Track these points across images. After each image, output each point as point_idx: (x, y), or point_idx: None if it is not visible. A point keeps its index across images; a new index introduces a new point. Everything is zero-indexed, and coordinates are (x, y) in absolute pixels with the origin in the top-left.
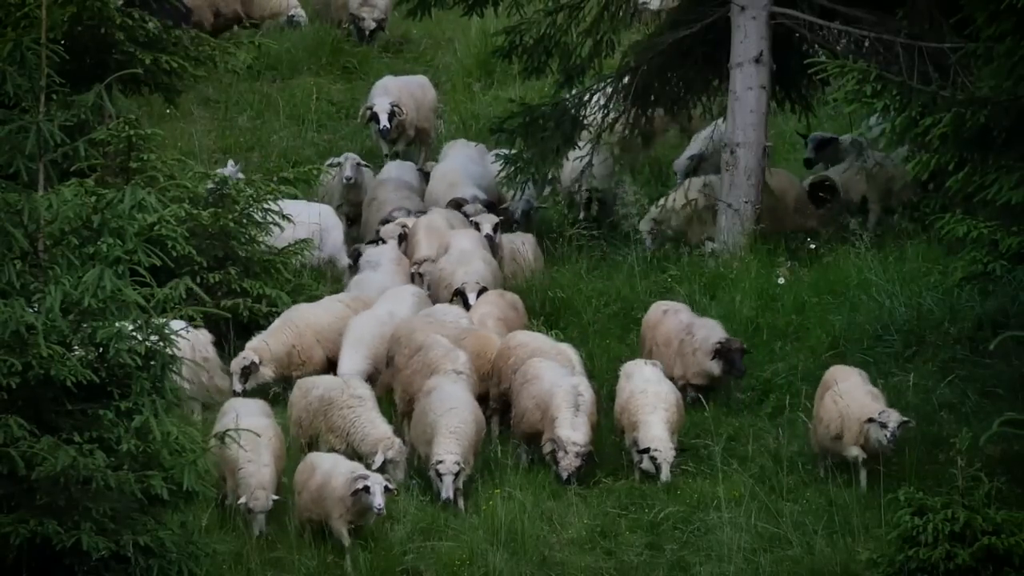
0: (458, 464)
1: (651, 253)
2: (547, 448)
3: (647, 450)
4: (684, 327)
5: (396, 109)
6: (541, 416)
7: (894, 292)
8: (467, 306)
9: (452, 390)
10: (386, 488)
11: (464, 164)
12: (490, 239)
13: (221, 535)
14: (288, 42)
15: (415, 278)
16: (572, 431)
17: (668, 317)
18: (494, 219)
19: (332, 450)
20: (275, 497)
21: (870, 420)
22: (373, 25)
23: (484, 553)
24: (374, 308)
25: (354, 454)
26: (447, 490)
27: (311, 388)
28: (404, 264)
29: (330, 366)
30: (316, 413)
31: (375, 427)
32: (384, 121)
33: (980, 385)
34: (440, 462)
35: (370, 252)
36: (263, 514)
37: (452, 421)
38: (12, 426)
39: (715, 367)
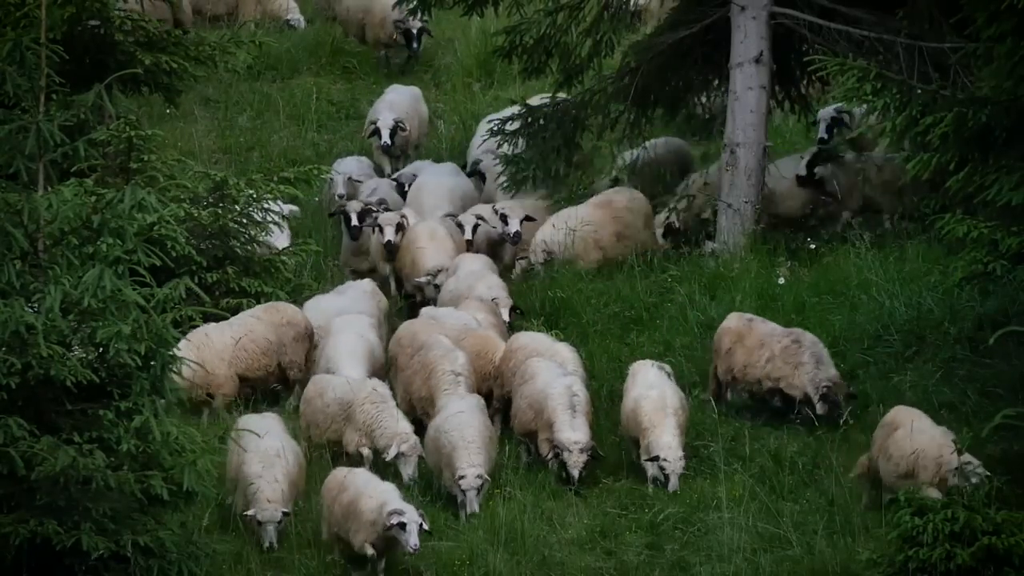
0: (480, 478)
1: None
2: (545, 450)
3: (656, 458)
4: (783, 332)
5: (400, 126)
6: (534, 416)
7: (894, 292)
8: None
9: (461, 406)
10: (421, 526)
11: (443, 179)
12: (518, 235)
13: (221, 535)
14: (288, 42)
15: (426, 288)
16: (572, 432)
17: (755, 325)
18: (522, 212)
19: (356, 449)
20: (285, 510)
21: (956, 469)
22: (419, 24)
23: (484, 553)
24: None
25: (375, 451)
26: (472, 504)
27: (327, 388)
28: (377, 298)
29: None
30: (334, 416)
31: (396, 423)
32: (386, 138)
33: (980, 385)
34: (462, 477)
35: (347, 284)
36: (272, 524)
37: (468, 434)
38: (12, 426)
39: (820, 407)
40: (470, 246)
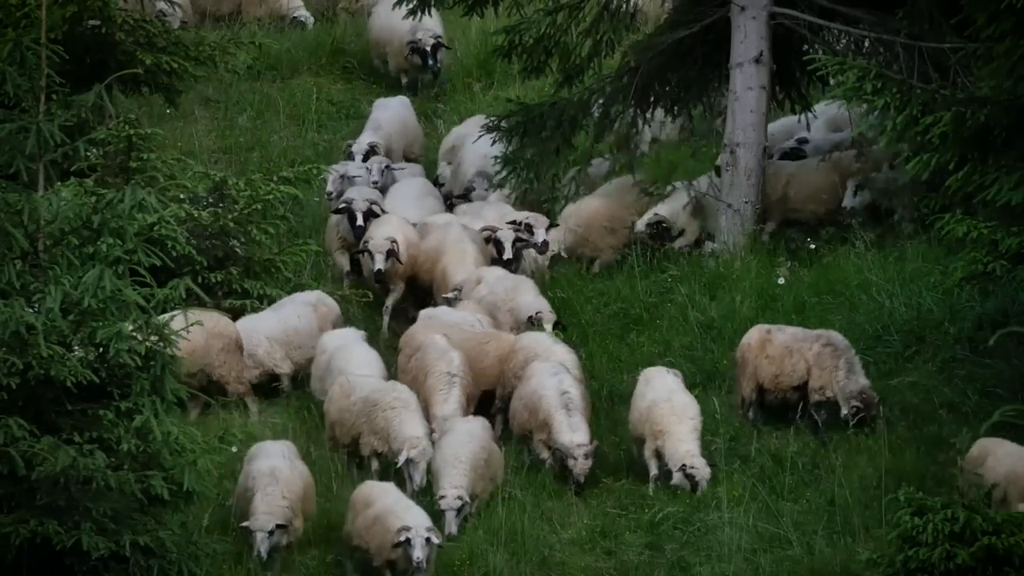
0: (460, 499)
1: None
2: (542, 452)
3: (683, 467)
4: (812, 336)
5: (375, 148)
6: (529, 416)
7: (894, 292)
8: None
9: (466, 427)
10: (428, 540)
11: (417, 186)
12: (546, 244)
13: (221, 535)
14: (288, 42)
15: (454, 303)
16: (572, 433)
17: (775, 334)
18: (546, 220)
19: (373, 453)
20: (280, 523)
21: None
22: (432, 41)
23: (484, 553)
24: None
25: (390, 454)
26: (449, 525)
27: (353, 388)
28: (321, 311)
29: None
30: (358, 413)
31: (410, 427)
32: (358, 163)
33: (980, 385)
34: (442, 497)
35: (286, 299)
36: (262, 533)
37: (461, 453)
38: (12, 426)
39: (849, 416)
40: (509, 264)
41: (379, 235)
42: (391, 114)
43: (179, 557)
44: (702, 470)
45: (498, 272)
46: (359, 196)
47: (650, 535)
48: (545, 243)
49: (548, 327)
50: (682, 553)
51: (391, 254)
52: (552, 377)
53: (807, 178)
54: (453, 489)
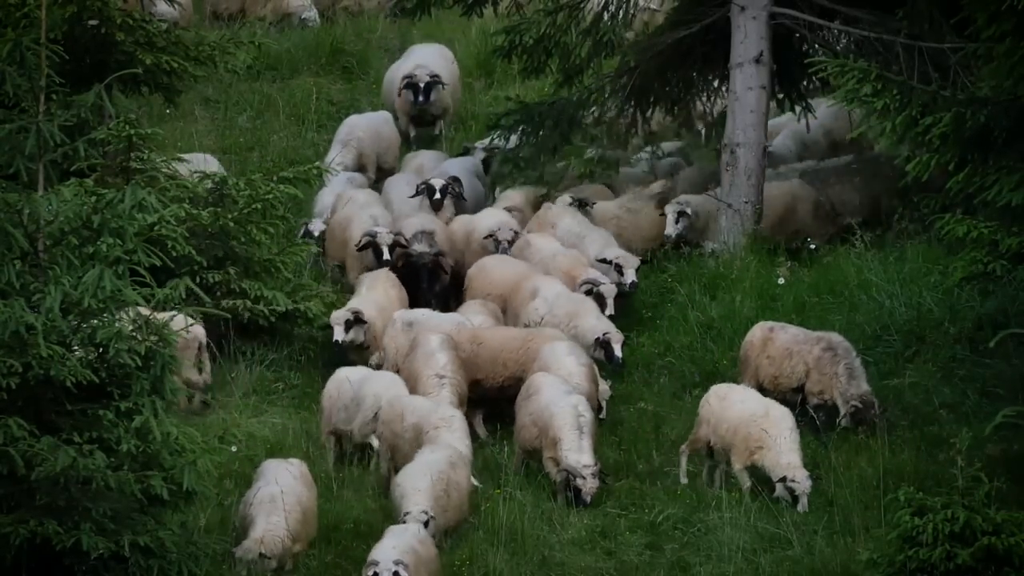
0: (425, 513)
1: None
2: (550, 468)
3: (784, 479)
4: (814, 338)
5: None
6: (538, 433)
7: (894, 292)
8: (609, 356)
9: (427, 459)
10: (396, 574)
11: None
12: (635, 285)
13: (221, 535)
14: (288, 42)
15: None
16: (580, 455)
17: (777, 333)
18: (637, 260)
19: None
20: (268, 556)
21: None
22: (427, 78)
23: (484, 553)
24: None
25: None
26: None
27: (406, 411)
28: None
29: None
30: (411, 442)
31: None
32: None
33: (980, 385)
34: (407, 513)
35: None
36: (243, 563)
37: (419, 483)
38: (12, 426)
39: (847, 421)
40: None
41: (345, 306)
42: (365, 122)
43: (179, 557)
44: (803, 483)
45: (557, 287)
46: (383, 231)
47: (650, 535)
48: (634, 284)
49: (617, 348)
50: (682, 553)
51: (351, 324)
52: (567, 396)
53: (635, 219)
54: (416, 506)
